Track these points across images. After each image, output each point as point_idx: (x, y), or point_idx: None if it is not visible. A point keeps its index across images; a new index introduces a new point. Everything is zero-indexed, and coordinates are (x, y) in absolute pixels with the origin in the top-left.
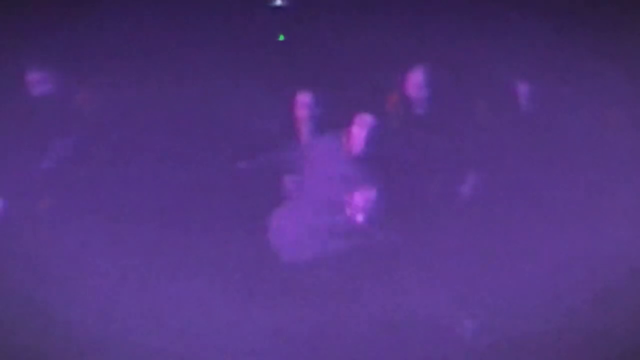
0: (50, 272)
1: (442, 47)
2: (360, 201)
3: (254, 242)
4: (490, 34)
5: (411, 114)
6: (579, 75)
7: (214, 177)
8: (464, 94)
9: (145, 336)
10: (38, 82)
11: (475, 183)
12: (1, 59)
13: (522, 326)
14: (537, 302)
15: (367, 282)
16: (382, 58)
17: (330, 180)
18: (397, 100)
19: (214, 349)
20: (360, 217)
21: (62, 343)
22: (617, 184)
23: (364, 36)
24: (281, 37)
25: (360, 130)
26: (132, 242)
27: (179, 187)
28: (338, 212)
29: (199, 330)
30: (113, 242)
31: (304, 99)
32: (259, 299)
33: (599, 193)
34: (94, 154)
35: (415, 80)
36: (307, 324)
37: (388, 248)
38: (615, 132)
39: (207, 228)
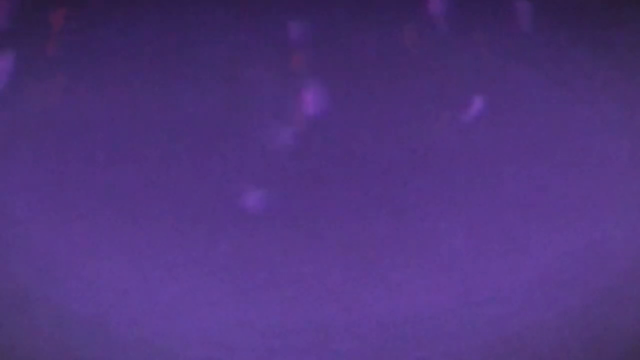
0: (50, 271)
1: None
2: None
3: (254, 240)
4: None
5: None
6: (573, 68)
7: (213, 173)
8: None
9: (147, 335)
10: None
11: (470, 177)
12: None
13: (520, 324)
14: (536, 300)
15: (363, 277)
16: None
17: None
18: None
19: (216, 346)
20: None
21: (62, 342)
22: (617, 180)
23: None
24: None
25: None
26: (132, 240)
27: (178, 183)
28: None
29: (201, 329)
30: (112, 240)
31: None
32: (260, 297)
33: (599, 188)
34: (95, 151)
35: None
36: (305, 322)
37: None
38: (615, 126)
39: (207, 226)
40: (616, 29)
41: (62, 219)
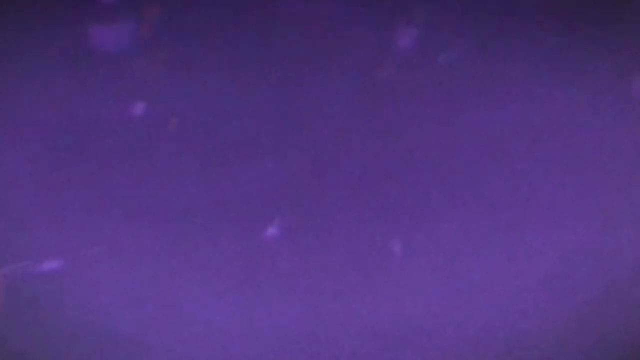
0: (53, 269)
1: None
2: None
3: (255, 241)
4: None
5: None
6: (573, 70)
7: (215, 177)
8: None
9: (150, 336)
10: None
11: (475, 176)
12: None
13: (522, 326)
14: (538, 302)
15: (363, 280)
16: None
17: None
18: None
19: (218, 349)
20: None
21: (64, 343)
22: (618, 180)
23: None
24: None
25: None
26: (135, 242)
27: (182, 186)
28: None
29: (203, 331)
30: (117, 241)
31: None
32: (258, 299)
33: (600, 188)
34: (102, 151)
35: None
36: (304, 325)
37: None
38: (616, 126)
39: (210, 227)
40: (616, 29)
41: (62, 217)
